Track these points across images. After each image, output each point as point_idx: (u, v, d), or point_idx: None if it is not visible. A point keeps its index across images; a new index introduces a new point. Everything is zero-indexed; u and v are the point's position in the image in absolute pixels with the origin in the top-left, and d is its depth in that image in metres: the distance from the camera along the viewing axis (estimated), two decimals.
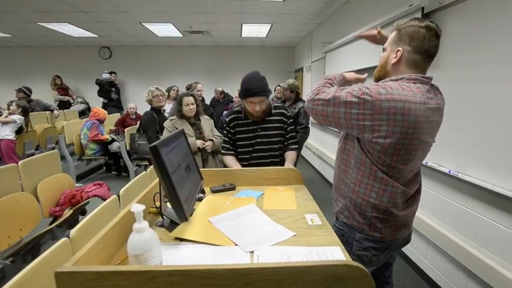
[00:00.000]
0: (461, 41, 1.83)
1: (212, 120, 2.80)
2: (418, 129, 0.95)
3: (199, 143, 2.43)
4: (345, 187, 1.13)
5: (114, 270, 0.62)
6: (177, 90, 4.21)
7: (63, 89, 6.92)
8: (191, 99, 2.50)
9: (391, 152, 0.97)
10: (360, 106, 0.94)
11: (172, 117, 2.56)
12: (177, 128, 2.38)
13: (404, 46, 1.00)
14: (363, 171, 1.04)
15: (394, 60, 1.02)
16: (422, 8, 2.11)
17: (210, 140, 2.52)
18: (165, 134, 2.43)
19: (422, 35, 0.98)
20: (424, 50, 0.99)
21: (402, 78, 1.00)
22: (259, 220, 1.08)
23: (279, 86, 4.69)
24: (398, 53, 1.01)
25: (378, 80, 1.09)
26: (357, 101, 0.95)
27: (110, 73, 6.88)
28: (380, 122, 0.93)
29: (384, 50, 1.10)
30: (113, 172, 4.99)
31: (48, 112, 5.58)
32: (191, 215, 1.09)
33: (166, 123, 2.54)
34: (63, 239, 1.16)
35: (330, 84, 1.12)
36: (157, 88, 3.28)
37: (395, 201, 1.04)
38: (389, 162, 0.99)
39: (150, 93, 3.26)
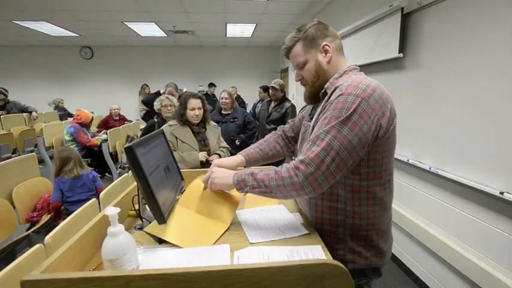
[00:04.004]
0: (439, 40, 1.88)
1: (220, 129, 2.35)
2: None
3: (201, 155, 2.01)
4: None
5: (84, 277, 0.59)
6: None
7: None
8: (199, 102, 2.05)
9: (386, 148, 0.87)
10: (361, 114, 0.80)
11: (172, 123, 2.10)
12: (176, 137, 2.01)
13: (325, 39, 0.95)
14: (358, 197, 0.90)
15: (329, 55, 0.95)
16: (402, 9, 2.16)
17: (216, 153, 2.11)
18: None
19: (322, 26, 0.97)
20: (336, 34, 0.98)
21: (345, 72, 0.94)
22: (282, 217, 1.08)
23: (261, 87, 4.68)
24: (327, 47, 0.94)
25: (315, 92, 0.98)
26: (350, 113, 0.80)
27: (210, 85, 6.62)
28: (383, 114, 0.83)
29: (297, 68, 1.00)
30: None
31: (25, 114, 5.38)
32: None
33: (164, 129, 2.14)
34: (37, 245, 1.12)
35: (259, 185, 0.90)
36: (167, 97, 3.01)
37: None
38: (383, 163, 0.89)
39: (159, 103, 2.97)
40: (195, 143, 2.04)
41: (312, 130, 0.90)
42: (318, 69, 0.96)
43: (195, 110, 2.03)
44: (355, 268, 0.93)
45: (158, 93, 3.56)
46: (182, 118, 2.07)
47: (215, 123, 2.32)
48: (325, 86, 0.94)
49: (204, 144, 2.09)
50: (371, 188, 0.89)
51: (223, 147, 2.21)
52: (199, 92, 6.31)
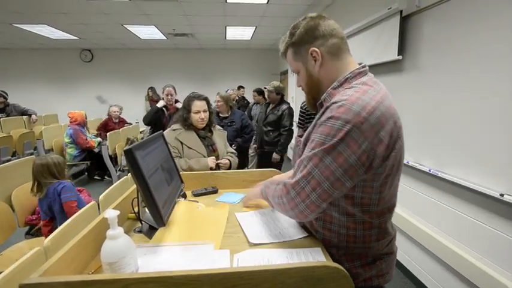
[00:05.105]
0: (438, 42, 1.89)
1: (226, 132, 2.20)
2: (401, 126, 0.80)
3: (211, 161, 1.86)
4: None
5: (83, 280, 0.59)
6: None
7: (154, 101, 6.61)
8: (204, 104, 1.89)
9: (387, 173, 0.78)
10: (349, 143, 0.70)
11: (175, 127, 1.93)
12: (181, 142, 1.87)
13: (314, 44, 0.82)
14: (353, 221, 0.81)
15: (318, 63, 0.83)
16: (401, 12, 2.16)
17: (225, 158, 1.96)
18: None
19: (313, 24, 0.83)
20: (331, 31, 0.82)
21: (346, 80, 0.81)
22: (282, 219, 1.07)
23: (256, 91, 4.65)
24: (315, 53, 0.82)
25: (311, 103, 0.90)
26: (335, 141, 0.71)
27: (238, 88, 6.36)
28: (380, 141, 0.72)
29: (297, 73, 0.92)
30: (95, 177, 4.85)
31: (25, 117, 5.38)
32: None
33: (166, 135, 1.75)
34: (36, 248, 1.12)
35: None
36: None
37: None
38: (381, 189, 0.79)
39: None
40: (203, 149, 1.88)
41: (304, 146, 0.83)
42: (308, 79, 0.87)
43: (200, 113, 1.87)
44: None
45: (157, 109, 3.20)
46: (186, 122, 1.90)
47: (220, 127, 2.18)
48: (322, 97, 0.84)
49: (212, 150, 1.94)
50: (367, 214, 0.80)
51: (231, 153, 2.07)
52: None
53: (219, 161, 1.91)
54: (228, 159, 1.95)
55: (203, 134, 1.94)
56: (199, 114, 1.87)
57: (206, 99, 1.93)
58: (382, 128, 0.72)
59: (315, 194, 0.74)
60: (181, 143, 1.87)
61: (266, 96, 3.58)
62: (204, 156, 1.87)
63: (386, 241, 0.86)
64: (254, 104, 4.79)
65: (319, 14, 0.86)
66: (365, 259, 0.84)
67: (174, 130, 1.90)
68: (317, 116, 0.81)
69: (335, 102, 0.74)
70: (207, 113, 1.91)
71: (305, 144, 0.81)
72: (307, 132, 0.83)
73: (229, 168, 1.94)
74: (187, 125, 1.90)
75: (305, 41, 0.83)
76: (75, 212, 1.99)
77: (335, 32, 0.83)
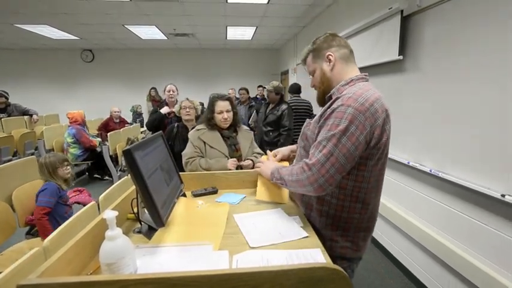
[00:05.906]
0: (439, 42, 1.88)
1: (252, 133, 2.14)
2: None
3: (230, 163, 1.78)
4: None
5: (81, 281, 0.59)
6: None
7: (156, 101, 6.59)
8: (227, 104, 1.88)
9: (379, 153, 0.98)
10: (358, 126, 0.89)
11: (200, 127, 1.94)
12: (204, 142, 1.87)
13: (330, 49, 1.05)
14: (343, 193, 1.01)
15: (332, 64, 1.05)
16: (401, 11, 2.16)
17: (248, 159, 1.90)
18: (188, 149, 1.88)
19: (331, 37, 1.08)
20: (344, 43, 1.07)
21: (352, 80, 1.02)
22: (281, 220, 1.08)
23: (244, 89, 4.61)
24: (330, 56, 1.05)
25: (323, 97, 1.09)
26: (348, 123, 0.90)
27: (258, 87, 6.11)
28: (378, 126, 0.93)
29: (311, 76, 1.13)
30: (95, 175, 4.85)
31: (26, 117, 5.39)
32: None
33: (191, 135, 1.92)
34: (35, 249, 1.12)
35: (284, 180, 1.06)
36: (187, 99, 2.63)
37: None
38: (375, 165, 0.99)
39: (179, 105, 2.67)
40: (225, 148, 1.86)
41: (315, 129, 1.01)
42: (322, 76, 1.08)
43: (223, 113, 1.86)
44: (331, 255, 0.91)
45: (161, 116, 3.11)
46: (210, 122, 1.90)
47: (247, 127, 2.11)
48: (331, 91, 1.04)
49: (234, 149, 1.90)
50: (357, 188, 0.99)
51: (257, 153, 2.00)
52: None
53: (241, 163, 1.85)
54: (252, 160, 1.90)
55: (227, 133, 1.93)
56: (222, 115, 1.86)
57: (229, 100, 1.92)
58: (379, 117, 0.93)
59: (334, 168, 0.90)
60: (204, 142, 1.87)
61: (266, 96, 3.56)
62: (226, 156, 1.84)
63: (367, 217, 1.04)
64: (238, 103, 4.71)
65: (335, 33, 1.11)
66: (347, 232, 1.03)
67: (198, 130, 1.91)
68: (326, 105, 1.00)
69: (344, 95, 0.95)
70: (231, 113, 1.90)
71: (320, 127, 0.97)
72: (318, 116, 1.01)
73: (253, 168, 1.86)
74: (211, 125, 1.90)
75: (323, 47, 1.07)
76: (41, 220, 2.01)
77: (346, 44, 1.08)
